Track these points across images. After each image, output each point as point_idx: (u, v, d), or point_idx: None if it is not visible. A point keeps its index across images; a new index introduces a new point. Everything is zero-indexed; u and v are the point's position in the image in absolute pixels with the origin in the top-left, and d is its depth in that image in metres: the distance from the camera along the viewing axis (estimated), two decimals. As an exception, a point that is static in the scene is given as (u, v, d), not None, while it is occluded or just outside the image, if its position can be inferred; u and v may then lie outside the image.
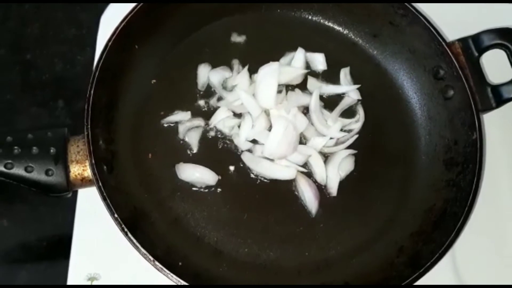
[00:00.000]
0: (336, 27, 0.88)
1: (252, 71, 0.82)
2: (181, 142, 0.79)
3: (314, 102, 0.79)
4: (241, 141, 0.78)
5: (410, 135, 0.82)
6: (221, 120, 0.79)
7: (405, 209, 0.77)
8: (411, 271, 0.65)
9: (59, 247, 0.78)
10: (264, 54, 0.83)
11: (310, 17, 0.88)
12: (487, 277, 0.76)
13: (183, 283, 0.64)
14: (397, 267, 0.70)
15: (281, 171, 0.76)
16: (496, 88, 0.75)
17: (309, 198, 0.75)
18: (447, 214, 0.72)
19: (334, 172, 0.77)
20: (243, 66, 0.83)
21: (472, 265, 0.77)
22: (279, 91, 0.80)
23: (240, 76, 0.82)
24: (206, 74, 0.83)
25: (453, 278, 0.76)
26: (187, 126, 0.79)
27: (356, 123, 0.81)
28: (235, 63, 0.84)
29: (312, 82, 0.83)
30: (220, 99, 0.82)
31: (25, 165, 0.67)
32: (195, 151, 0.78)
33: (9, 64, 0.92)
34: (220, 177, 0.76)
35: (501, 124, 0.84)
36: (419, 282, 0.66)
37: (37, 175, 0.67)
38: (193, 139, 0.79)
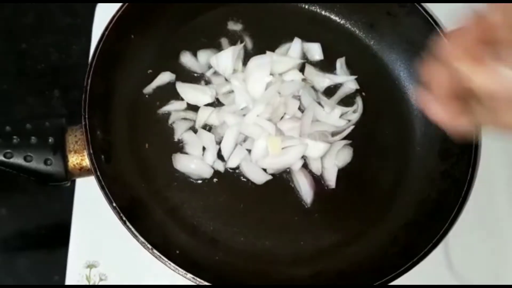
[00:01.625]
0: (333, 17, 0.88)
1: (248, 59, 0.82)
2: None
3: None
4: (226, 157, 0.77)
5: (405, 126, 0.82)
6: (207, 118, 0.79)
7: (399, 200, 0.77)
8: (404, 261, 0.66)
9: (58, 235, 0.79)
10: (260, 43, 0.83)
11: (307, 7, 0.88)
12: (480, 268, 0.77)
13: (181, 270, 0.65)
14: (391, 256, 0.71)
15: (280, 163, 0.76)
16: (491, 80, 0.75)
17: (305, 188, 0.76)
18: (441, 205, 0.72)
19: (331, 163, 0.77)
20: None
21: (465, 256, 0.78)
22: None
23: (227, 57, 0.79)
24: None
25: (446, 270, 0.77)
26: (180, 115, 0.79)
27: (354, 114, 0.81)
28: (225, 42, 0.84)
29: (309, 71, 0.83)
30: (208, 82, 0.82)
31: (24, 155, 0.67)
32: (175, 139, 0.78)
33: (4, 53, 0.91)
34: (215, 169, 0.77)
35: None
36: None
37: (36, 164, 0.68)
38: (179, 129, 0.78)
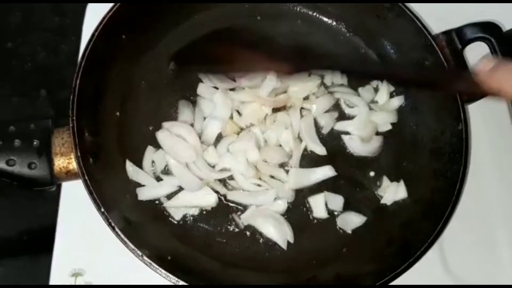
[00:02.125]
0: (324, 19, 0.88)
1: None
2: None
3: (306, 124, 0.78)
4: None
5: (396, 126, 0.82)
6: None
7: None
8: (401, 261, 0.66)
9: (40, 242, 0.77)
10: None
11: (297, 9, 0.88)
12: (474, 267, 0.78)
13: (173, 277, 0.63)
14: (387, 257, 0.71)
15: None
16: (479, 80, 0.77)
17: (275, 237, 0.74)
18: (434, 204, 0.73)
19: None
20: None
21: (460, 255, 0.78)
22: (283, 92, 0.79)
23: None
24: None
25: (441, 269, 0.77)
26: None
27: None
28: None
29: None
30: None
31: (6, 158, 0.65)
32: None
33: (-11, 52, 0.89)
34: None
35: (484, 115, 0.86)
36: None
37: (19, 168, 0.65)
38: None
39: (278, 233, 0.73)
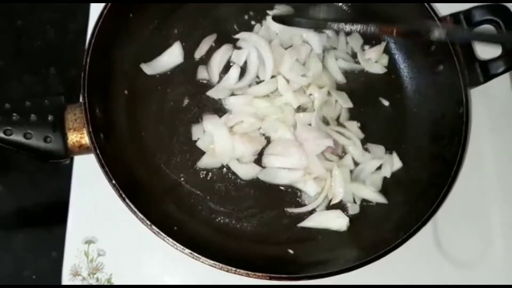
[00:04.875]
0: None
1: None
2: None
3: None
4: None
5: (398, 108, 0.83)
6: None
7: (392, 180, 0.79)
8: (395, 237, 0.68)
9: (55, 213, 0.80)
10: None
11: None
12: (466, 247, 0.80)
13: (179, 246, 0.66)
14: (383, 233, 0.73)
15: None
16: (484, 64, 0.77)
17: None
18: (431, 185, 0.74)
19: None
20: None
21: (453, 235, 0.80)
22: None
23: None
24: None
25: (435, 248, 0.79)
26: None
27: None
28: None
29: None
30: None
31: (24, 132, 0.68)
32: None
33: (0, 30, 0.90)
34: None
35: (487, 99, 0.86)
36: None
37: (36, 141, 0.68)
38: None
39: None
